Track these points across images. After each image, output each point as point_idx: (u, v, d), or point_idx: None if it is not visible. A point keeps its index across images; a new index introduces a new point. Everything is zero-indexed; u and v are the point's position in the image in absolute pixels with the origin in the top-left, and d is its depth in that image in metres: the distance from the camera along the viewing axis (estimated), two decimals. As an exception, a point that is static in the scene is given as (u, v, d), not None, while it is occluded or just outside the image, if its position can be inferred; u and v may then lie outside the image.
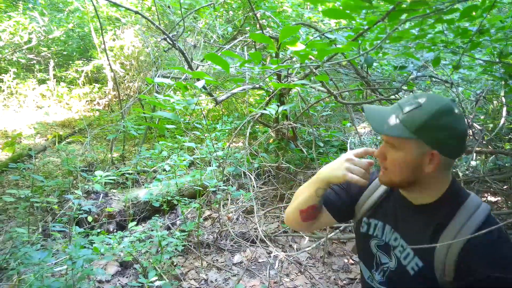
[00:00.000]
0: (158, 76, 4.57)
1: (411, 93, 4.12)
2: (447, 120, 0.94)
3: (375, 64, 4.61)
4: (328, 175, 1.11)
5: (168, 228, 3.91)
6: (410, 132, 0.95)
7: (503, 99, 3.91)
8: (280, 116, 4.27)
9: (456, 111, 0.96)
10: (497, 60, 3.09)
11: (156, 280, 2.78)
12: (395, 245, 1.09)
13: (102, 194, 4.07)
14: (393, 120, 0.97)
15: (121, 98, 5.91)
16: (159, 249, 3.23)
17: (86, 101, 8.60)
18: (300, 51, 1.72)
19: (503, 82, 3.32)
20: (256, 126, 5.58)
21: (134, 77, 6.86)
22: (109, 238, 2.93)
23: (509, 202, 3.37)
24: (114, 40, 7.38)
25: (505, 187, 3.55)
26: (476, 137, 3.78)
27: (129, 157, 5.54)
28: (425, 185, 1.02)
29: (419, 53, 3.75)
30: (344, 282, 3.19)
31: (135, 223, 3.36)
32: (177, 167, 3.57)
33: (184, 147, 4.35)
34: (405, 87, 3.31)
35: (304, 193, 1.21)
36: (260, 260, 3.51)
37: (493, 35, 3.25)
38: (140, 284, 2.83)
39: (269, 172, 4.79)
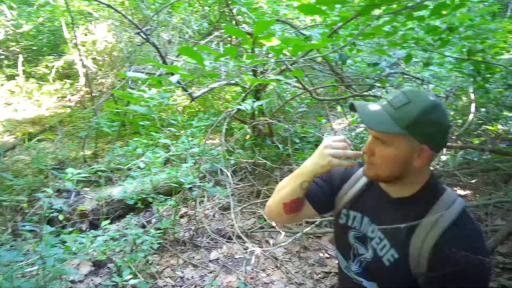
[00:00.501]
0: (132, 72, 4.47)
1: (395, 89, 4.18)
2: (436, 116, 0.96)
3: (349, 61, 4.68)
4: (313, 167, 1.11)
5: (143, 226, 3.85)
6: (402, 128, 0.95)
7: (472, 96, 4.05)
8: (256, 113, 4.27)
9: (441, 105, 0.98)
10: (466, 57, 3.19)
11: (130, 278, 2.73)
12: (372, 236, 1.11)
13: (74, 193, 3.96)
14: (385, 117, 0.98)
15: (93, 94, 5.77)
16: (134, 248, 3.18)
17: (57, 98, 8.35)
18: (275, 46, 1.72)
19: (471, 79, 3.43)
20: (233, 123, 5.56)
21: (107, 73, 6.70)
22: (82, 237, 2.86)
23: (477, 195, 3.49)
24: (86, 35, 7.19)
25: (473, 180, 3.68)
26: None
27: (102, 154, 5.42)
28: (408, 179, 1.04)
29: (392, 50, 3.82)
30: (320, 275, 3.23)
31: (108, 221, 3.28)
32: (152, 164, 3.52)
33: (160, 144, 4.29)
34: (378, 84, 3.37)
35: (288, 186, 1.21)
36: (236, 256, 3.50)
37: (462, 33, 3.35)
38: (114, 283, 2.78)
39: (245, 169, 4.79)
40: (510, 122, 4.42)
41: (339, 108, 5.79)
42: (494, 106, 3.90)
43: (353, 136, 5.05)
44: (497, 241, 2.57)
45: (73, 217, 3.68)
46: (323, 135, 4.68)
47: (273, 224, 3.72)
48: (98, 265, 3.29)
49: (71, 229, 3.31)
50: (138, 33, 2.79)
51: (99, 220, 3.79)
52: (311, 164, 1.12)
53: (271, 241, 3.71)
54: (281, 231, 3.52)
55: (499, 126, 4.34)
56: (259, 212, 4.03)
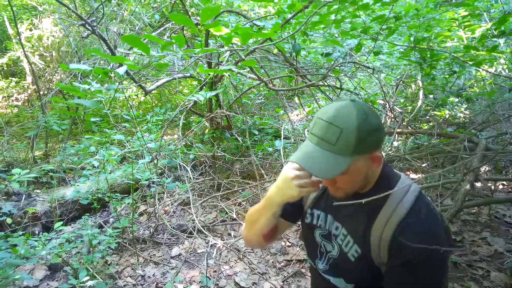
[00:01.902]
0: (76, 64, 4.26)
1: (348, 78, 4.23)
2: (369, 124, 0.94)
3: (304, 52, 4.74)
4: (283, 198, 1.09)
5: (100, 227, 3.73)
6: (350, 157, 0.94)
7: (420, 83, 4.23)
8: (213, 106, 4.23)
9: (366, 110, 0.96)
10: (413, 45, 3.31)
11: (88, 280, 2.64)
12: (336, 233, 1.12)
13: (24, 195, 3.76)
14: (329, 158, 0.95)
15: (41, 92, 5.48)
16: (91, 249, 3.07)
17: (3, 97, 7.86)
18: (223, 34, 1.70)
19: (419, 67, 3.57)
20: (191, 117, 5.48)
21: (56, 69, 6.38)
22: (35, 240, 2.73)
23: (427, 178, 3.66)
24: (31, 30, 6.80)
25: (423, 164, 3.85)
26: (397, 119, 4.05)
27: (54, 154, 5.18)
28: (367, 179, 1.06)
29: (344, 41, 3.90)
30: (282, 264, 3.27)
31: (61, 223, 3.15)
32: (107, 162, 3.39)
33: (114, 141, 4.15)
34: (331, 73, 3.43)
35: (262, 219, 1.19)
36: (199, 251, 3.47)
37: (409, 23, 3.48)
38: (71, 286, 2.67)
39: (205, 163, 4.75)
40: (456, 107, 4.67)
41: (296, 100, 5.87)
42: (440, 92, 4.09)
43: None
44: (446, 220, 2.70)
45: (24, 220, 3.50)
46: (281, 126, 4.72)
47: (234, 216, 3.72)
48: (54, 269, 3.16)
49: (22, 232, 3.15)
50: (83, 25, 2.67)
51: (52, 222, 3.63)
52: (280, 196, 1.10)
53: (233, 234, 3.71)
54: (242, 223, 3.52)
55: (446, 111, 4.56)
56: (221, 206, 4.01)
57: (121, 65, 1.74)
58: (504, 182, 4.40)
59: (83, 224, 3.28)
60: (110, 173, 3.70)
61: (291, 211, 1.27)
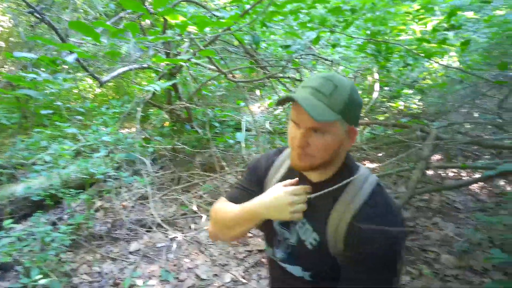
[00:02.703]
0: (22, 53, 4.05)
1: (308, 70, 4.29)
2: (357, 96, 0.98)
3: (264, 45, 4.75)
4: (270, 217, 1.09)
5: (54, 224, 3.58)
6: (336, 114, 0.95)
7: (376, 75, 4.35)
8: (173, 97, 4.15)
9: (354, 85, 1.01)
10: (369, 39, 3.39)
11: (40, 278, 2.53)
12: (295, 221, 1.11)
13: (-31, 194, 3.54)
14: (320, 105, 0.95)
15: (-12, 84, 5.16)
16: (44, 247, 2.94)
17: None
18: (180, 22, 1.66)
19: (375, 59, 3.67)
20: (150, 110, 5.36)
21: (5, 60, 6.03)
22: (-17, 241, 2.58)
23: (384, 167, 3.78)
24: (-24, 18, 6.37)
25: (379, 154, 3.97)
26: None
27: (3, 149, 4.89)
28: (333, 162, 1.05)
29: (303, 34, 3.94)
30: (243, 255, 3.27)
31: (11, 221, 2.99)
32: (59, 156, 3.25)
33: (68, 135, 3.98)
34: (291, 65, 3.46)
35: (239, 228, 1.17)
36: (158, 245, 3.41)
37: (365, 15, 3.56)
38: (23, 285, 2.56)
39: (165, 156, 4.67)
40: (410, 98, 4.84)
41: (257, 92, 5.88)
42: (395, 84, 4.23)
43: (271, 118, 5.15)
44: (400, 206, 2.81)
45: (-31, 220, 3.29)
46: (242, 119, 4.71)
47: (195, 209, 3.68)
48: (4, 269, 3.00)
49: (-34, 233, 2.96)
50: (31, 13, 2.52)
51: (2, 220, 3.44)
52: (268, 215, 1.09)
53: (194, 226, 3.67)
54: (203, 215, 3.50)
55: (401, 103, 4.73)
56: (181, 199, 3.95)
57: (71, 53, 1.66)
58: (454, 170, 4.62)
59: (35, 222, 3.13)
60: (63, 168, 3.55)
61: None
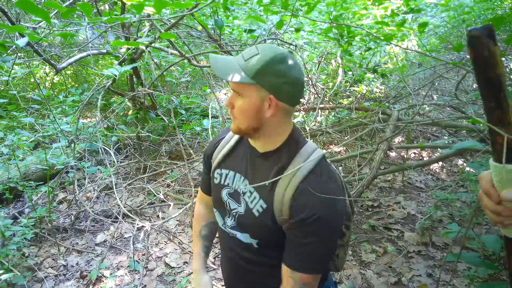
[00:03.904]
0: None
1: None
2: (281, 67, 0.99)
3: (228, 30, 4.68)
4: None
5: (15, 218, 3.44)
6: (250, 78, 0.99)
7: (340, 60, 4.41)
8: (135, 84, 4.04)
9: (290, 60, 1.02)
10: (332, 22, 3.42)
11: (2, 273, 2.44)
12: (244, 191, 1.15)
13: None
14: (235, 68, 1.01)
15: None
16: (4, 241, 2.83)
17: None
18: (136, 2, 1.61)
19: (337, 43, 3.71)
20: (112, 98, 5.19)
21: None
22: None
23: (349, 150, 3.88)
24: None
25: (345, 137, 4.06)
26: (319, 95, 4.20)
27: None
28: (268, 132, 1.08)
29: (267, 19, 3.91)
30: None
31: (-34, 217, 2.85)
32: (17, 148, 3.11)
33: (26, 126, 3.80)
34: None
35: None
36: (126, 236, 3.36)
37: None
38: (-18, 283, 2.46)
39: (130, 145, 4.56)
40: (372, 82, 4.96)
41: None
42: (358, 68, 4.31)
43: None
44: (363, 187, 2.89)
45: None
46: (209, 106, 4.66)
47: (162, 197, 3.64)
48: (-40, 267, 2.86)
49: None
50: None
51: (-44, 217, 3.26)
52: None
53: (162, 215, 3.63)
54: (171, 203, 3.46)
55: (363, 87, 4.84)
56: (148, 188, 3.89)
57: (22, 36, 1.57)
58: (415, 151, 4.81)
59: (-7, 217, 3.00)
60: (21, 160, 3.40)
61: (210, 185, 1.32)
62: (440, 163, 4.52)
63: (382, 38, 2.76)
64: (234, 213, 1.19)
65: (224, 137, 1.29)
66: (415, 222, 3.52)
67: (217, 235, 1.42)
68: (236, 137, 1.24)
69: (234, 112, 1.07)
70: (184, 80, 4.86)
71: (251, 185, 1.14)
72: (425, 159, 4.70)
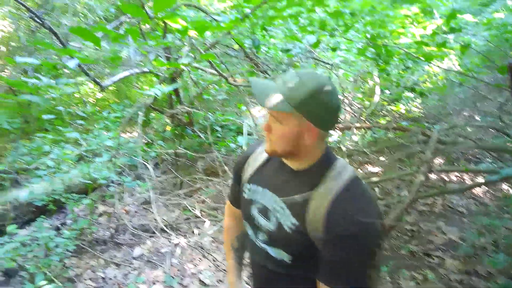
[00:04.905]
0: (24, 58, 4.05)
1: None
2: (324, 97, 1.00)
3: (264, 48, 4.76)
4: None
5: (57, 229, 3.58)
6: (292, 107, 1.00)
7: (376, 79, 4.36)
8: (174, 102, 4.16)
9: (331, 88, 1.03)
10: (369, 42, 3.40)
11: (45, 284, 2.54)
12: (275, 207, 1.15)
13: (-28, 199, 3.54)
14: (277, 95, 1.01)
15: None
16: (48, 252, 2.94)
17: None
18: (180, 27, 1.67)
19: (374, 63, 3.68)
20: (151, 114, 5.36)
21: (5, 65, 6.04)
22: (-14, 246, 2.59)
23: (385, 171, 3.79)
24: (-23, 23, 6.38)
25: (381, 158, 3.98)
26: (356, 114, 4.16)
27: (5, 154, 4.89)
28: (304, 154, 1.09)
29: (303, 37, 3.95)
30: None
31: (15, 226, 2.99)
32: (62, 161, 3.26)
33: (70, 140, 3.98)
34: (291, 69, 3.46)
35: None
36: (162, 250, 3.41)
37: (365, 19, 3.57)
38: (27, 291, 2.56)
39: (167, 160, 4.67)
40: (410, 101, 4.86)
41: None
42: (395, 87, 4.24)
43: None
44: (402, 210, 2.80)
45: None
46: (243, 122, 4.71)
47: (197, 213, 3.69)
48: (8, 274, 3.00)
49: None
50: (32, 18, 2.53)
51: (5, 226, 3.44)
52: None
53: (197, 231, 3.67)
54: (206, 220, 3.50)
55: (401, 106, 4.74)
56: (184, 204, 3.95)
57: (72, 58, 1.66)
58: (456, 173, 4.63)
59: (38, 227, 3.14)
60: (65, 173, 3.55)
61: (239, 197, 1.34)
62: (483, 186, 4.32)
63: (422, 58, 2.72)
64: (264, 229, 1.19)
65: (255, 151, 1.30)
66: (457, 249, 3.36)
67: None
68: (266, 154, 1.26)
69: (271, 136, 1.09)
70: (220, 97, 4.96)
71: (282, 201, 1.13)
72: (467, 182, 4.52)
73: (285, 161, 1.17)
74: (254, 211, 1.23)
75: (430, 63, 3.11)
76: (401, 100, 4.76)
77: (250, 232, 1.28)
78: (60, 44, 2.66)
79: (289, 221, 1.10)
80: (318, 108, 1.01)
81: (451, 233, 3.62)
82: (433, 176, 4.47)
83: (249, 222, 1.27)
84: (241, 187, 1.31)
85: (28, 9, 2.33)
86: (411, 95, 4.59)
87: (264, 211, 1.19)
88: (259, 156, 1.27)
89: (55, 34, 2.24)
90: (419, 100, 4.89)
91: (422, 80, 4.88)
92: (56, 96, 1.80)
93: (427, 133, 3.74)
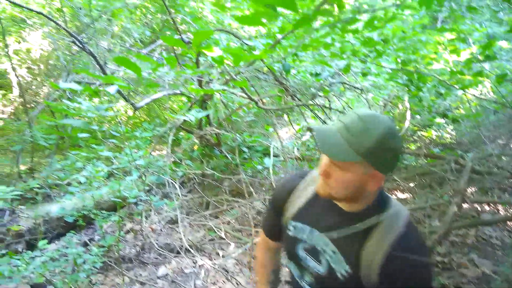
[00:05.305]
0: (70, 81, 4.25)
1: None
2: (391, 143, 0.96)
3: (293, 71, 4.78)
4: None
5: (86, 245, 3.65)
6: (358, 155, 0.95)
7: (407, 104, 4.30)
8: (203, 122, 4.22)
9: (395, 130, 0.98)
10: (401, 67, 3.37)
11: (72, 300, 2.58)
12: (325, 249, 1.10)
13: (7, 211, 3.67)
14: (342, 144, 0.96)
15: (28, 105, 5.41)
16: (75, 268, 3.00)
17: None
18: (216, 56, 1.71)
19: (406, 88, 3.63)
20: (180, 133, 5.45)
21: (43, 82, 6.33)
22: (17, 259, 2.66)
23: (415, 198, 3.69)
24: (19, 42, 6.75)
25: (411, 184, 3.88)
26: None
27: (40, 169, 5.07)
28: (362, 198, 1.05)
29: (332, 61, 3.96)
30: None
31: (46, 241, 3.07)
32: (93, 178, 3.34)
33: (101, 157, 4.09)
34: (320, 93, 3.47)
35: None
36: (186, 271, 3.41)
37: (396, 45, 3.55)
38: (54, 307, 2.60)
39: (194, 180, 4.71)
40: (442, 128, 4.74)
41: (286, 117, 5.90)
42: (427, 113, 4.16)
43: (299, 144, 5.14)
44: (434, 242, 2.72)
45: (7, 238, 3.40)
46: (270, 144, 4.72)
47: (223, 235, 3.68)
48: (36, 288, 3.06)
49: (4, 250, 3.06)
50: (73, 42, 2.66)
51: (36, 239, 3.54)
52: None
53: (221, 253, 3.66)
54: (230, 242, 3.49)
55: (433, 132, 4.64)
56: (209, 225, 3.96)
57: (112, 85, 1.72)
58: (490, 204, 4.45)
59: (67, 242, 3.21)
60: (96, 190, 3.63)
61: (278, 231, 1.32)
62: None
63: (457, 87, 2.66)
64: (312, 271, 1.14)
65: (297, 186, 1.24)
66: (490, 283, 3.21)
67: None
68: (312, 188, 1.19)
69: (330, 181, 1.02)
70: (248, 119, 5.00)
71: (334, 245, 1.08)
72: (501, 212, 4.33)
73: (336, 202, 1.11)
74: (301, 251, 1.18)
75: (465, 91, 3.04)
76: (432, 126, 4.66)
77: (295, 272, 1.23)
78: (97, 66, 2.77)
79: (342, 268, 1.06)
80: (386, 154, 0.96)
81: (485, 266, 3.46)
82: (465, 205, 4.32)
83: (295, 262, 1.22)
84: (284, 223, 1.26)
85: (71, 34, 2.44)
86: (443, 121, 4.48)
87: (313, 252, 1.14)
88: (303, 193, 1.22)
89: (95, 58, 2.34)
90: (451, 127, 4.77)
91: (455, 106, 4.78)
92: (93, 115, 1.86)
93: (460, 162, 3.64)
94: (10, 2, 2.86)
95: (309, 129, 1.04)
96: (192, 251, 3.34)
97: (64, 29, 2.61)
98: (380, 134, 0.94)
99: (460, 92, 4.11)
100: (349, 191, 1.01)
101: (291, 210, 1.22)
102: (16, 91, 7.22)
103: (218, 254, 3.65)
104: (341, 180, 1.00)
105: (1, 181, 4.58)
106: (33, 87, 6.76)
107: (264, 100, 4.07)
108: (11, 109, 7.69)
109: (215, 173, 3.93)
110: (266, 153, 5.08)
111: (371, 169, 0.98)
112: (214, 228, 3.59)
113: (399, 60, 3.54)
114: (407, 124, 4.03)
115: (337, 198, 1.06)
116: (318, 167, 1.05)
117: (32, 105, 6.42)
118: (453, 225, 2.88)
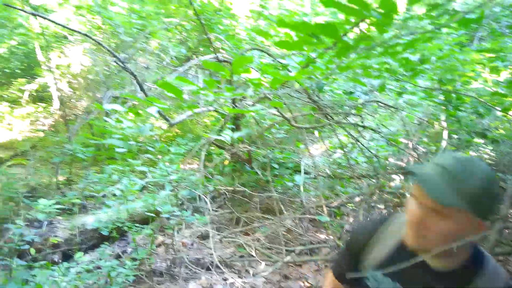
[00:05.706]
0: (109, 97, 4.41)
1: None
2: (495, 190, 0.91)
3: (326, 88, 4.77)
4: None
5: (118, 257, 3.72)
6: (464, 202, 0.87)
7: (444, 124, 4.18)
8: (235, 139, 4.27)
9: (494, 175, 0.92)
10: (437, 86, 3.30)
11: (104, 313, 2.63)
12: None
13: (45, 222, 3.81)
14: (447, 190, 0.88)
15: (68, 118, 5.65)
16: (108, 281, 3.06)
17: (30, 121, 8.12)
18: (254, 79, 1.74)
19: (443, 108, 3.54)
20: (212, 148, 5.52)
21: (82, 96, 6.60)
22: (53, 270, 2.75)
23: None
24: (61, 57, 7.09)
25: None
26: (421, 160, 3.99)
27: (76, 181, 5.26)
28: (459, 252, 0.93)
29: (367, 78, 3.92)
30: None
31: (82, 253, 3.17)
32: (128, 192, 3.43)
33: (136, 170, 4.20)
34: (354, 111, 3.44)
35: None
36: (215, 287, 3.42)
37: (433, 63, 3.48)
38: (87, 319, 2.66)
39: (224, 195, 4.74)
40: (481, 148, 4.57)
41: (316, 133, 5.87)
42: (465, 133, 4.03)
43: (330, 161, 5.10)
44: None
45: (45, 248, 3.53)
46: (301, 161, 4.71)
47: (253, 253, 3.67)
48: (70, 300, 3.14)
49: (42, 262, 3.17)
50: (115, 61, 2.76)
51: (72, 250, 3.65)
52: None
53: (251, 271, 3.64)
54: (260, 261, 3.47)
55: (471, 152, 4.48)
56: (239, 241, 3.96)
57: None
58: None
59: (101, 254, 3.29)
60: (131, 203, 3.72)
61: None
62: None
63: (498, 108, 2.58)
64: None
65: (377, 231, 1.15)
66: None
67: None
68: (396, 240, 1.09)
69: (427, 233, 0.92)
70: (279, 136, 5.01)
71: None
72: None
73: (424, 257, 1.00)
74: None
75: (507, 113, 2.93)
76: (471, 146, 4.50)
77: None
78: (137, 85, 2.86)
79: None
80: (490, 202, 0.89)
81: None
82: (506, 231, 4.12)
83: None
84: (361, 271, 1.16)
85: (113, 54, 2.55)
86: (481, 141, 4.33)
87: None
88: (386, 242, 1.12)
89: (135, 78, 2.43)
90: (490, 147, 4.60)
91: (494, 126, 4.60)
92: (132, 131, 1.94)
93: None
94: (53, 21, 3.01)
95: (409, 173, 0.96)
96: (221, 267, 3.35)
97: (106, 48, 2.72)
98: (484, 179, 0.88)
99: (499, 113, 3.97)
100: (448, 242, 0.90)
101: (371, 259, 1.13)
102: (56, 104, 7.56)
103: (247, 271, 3.64)
104: (440, 230, 0.90)
105: (40, 191, 4.78)
106: (73, 100, 7.06)
107: (296, 118, 4.08)
108: (52, 121, 8.05)
109: (247, 190, 3.94)
110: (296, 169, 5.06)
111: (474, 217, 0.89)
112: (244, 245, 3.59)
113: (435, 78, 3.47)
114: (443, 144, 3.92)
115: (431, 252, 0.93)
116: (409, 217, 0.95)
117: (71, 117, 6.69)
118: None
